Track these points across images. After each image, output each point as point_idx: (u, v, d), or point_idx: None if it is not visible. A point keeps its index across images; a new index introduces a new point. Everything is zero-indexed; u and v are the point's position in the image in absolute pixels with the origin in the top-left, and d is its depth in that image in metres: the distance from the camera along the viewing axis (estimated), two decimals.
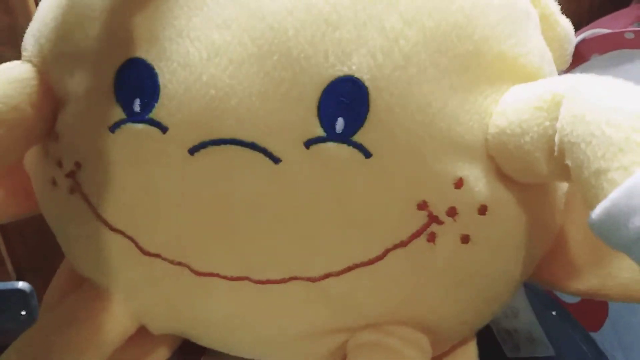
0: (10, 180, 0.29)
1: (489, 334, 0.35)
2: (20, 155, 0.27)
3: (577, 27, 0.43)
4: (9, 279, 0.52)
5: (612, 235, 0.16)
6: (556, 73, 0.25)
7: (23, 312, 0.45)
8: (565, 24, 0.26)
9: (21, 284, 0.45)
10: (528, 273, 0.26)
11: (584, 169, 0.17)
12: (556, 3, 0.26)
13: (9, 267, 0.53)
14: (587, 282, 0.26)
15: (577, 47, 0.40)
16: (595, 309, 0.40)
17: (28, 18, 0.41)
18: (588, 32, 0.41)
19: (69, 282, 0.30)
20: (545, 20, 0.25)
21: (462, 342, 0.28)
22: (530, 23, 0.24)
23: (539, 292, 0.38)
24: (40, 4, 0.26)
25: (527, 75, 0.22)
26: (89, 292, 0.28)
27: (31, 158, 0.28)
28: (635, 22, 0.43)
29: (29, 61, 0.25)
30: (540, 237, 0.25)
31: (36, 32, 0.25)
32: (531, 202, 0.23)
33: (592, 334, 0.39)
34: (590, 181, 0.17)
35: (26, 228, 0.51)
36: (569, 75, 0.20)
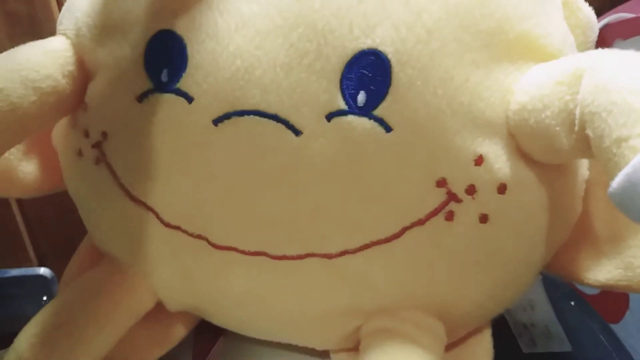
0: (37, 154, 0.30)
1: (505, 329, 0.34)
2: (52, 122, 0.28)
3: (600, 12, 0.42)
4: (31, 265, 0.53)
5: (633, 204, 0.16)
6: None
7: (45, 298, 0.46)
8: (588, 11, 0.26)
9: (42, 270, 0.46)
10: (546, 259, 0.25)
11: (605, 137, 0.17)
12: None
13: (31, 253, 0.53)
14: (607, 273, 0.26)
15: (600, 32, 0.39)
16: (615, 300, 0.39)
17: (47, 8, 0.42)
18: (611, 17, 0.40)
19: (87, 261, 0.31)
20: (567, 7, 0.26)
21: (477, 331, 0.28)
22: (553, 6, 0.24)
23: (558, 283, 0.37)
24: None
25: (548, 56, 0.22)
26: (109, 266, 0.28)
27: (59, 131, 0.29)
28: None
29: (64, 34, 0.26)
30: (559, 222, 0.24)
31: (71, 6, 0.26)
32: (551, 185, 0.23)
33: (613, 326, 0.38)
34: (612, 149, 0.16)
35: (47, 216, 0.52)
36: (591, 51, 0.20)
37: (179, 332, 0.30)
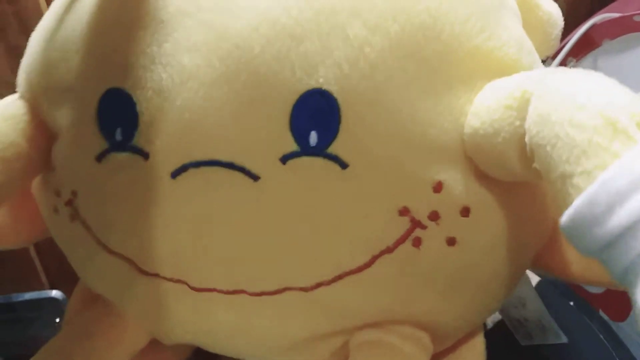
0: (22, 207, 0.31)
1: (502, 323, 0.35)
2: (22, 187, 0.28)
3: (590, 14, 0.41)
4: (43, 289, 0.55)
5: (579, 243, 0.16)
6: (539, 61, 0.24)
7: (57, 320, 0.48)
8: (548, 6, 0.25)
9: (55, 293, 0.48)
10: (524, 268, 0.25)
11: (551, 172, 0.16)
12: None
13: (43, 278, 0.55)
14: (593, 270, 0.26)
15: (588, 32, 0.38)
16: (620, 298, 0.39)
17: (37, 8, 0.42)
18: (598, 17, 0.39)
19: (88, 293, 0.32)
20: (525, 5, 0.25)
21: (468, 336, 0.28)
22: (505, 12, 0.23)
23: (557, 283, 0.37)
24: (30, 39, 0.27)
25: (503, 69, 0.22)
26: (103, 306, 0.29)
27: (35, 187, 0.29)
28: None
29: (22, 97, 0.26)
30: (531, 232, 0.24)
31: (26, 68, 0.27)
32: (517, 200, 0.23)
33: (619, 324, 0.38)
34: (557, 185, 0.16)
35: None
36: (539, 70, 0.19)
37: (181, 355, 0.32)
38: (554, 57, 0.39)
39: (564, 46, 0.38)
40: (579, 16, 0.42)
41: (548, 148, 0.16)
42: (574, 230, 0.15)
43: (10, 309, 0.48)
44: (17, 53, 0.44)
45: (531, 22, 0.24)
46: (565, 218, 0.15)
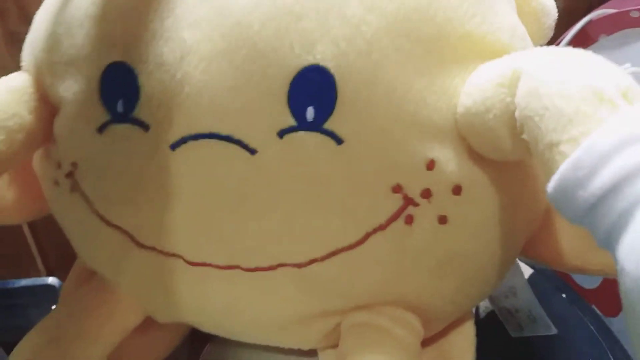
0: (23, 181, 0.31)
1: (492, 314, 0.35)
2: (24, 158, 0.29)
3: (588, 10, 0.41)
4: (40, 276, 0.55)
5: (565, 208, 0.16)
6: (531, 47, 0.24)
7: (53, 307, 0.48)
8: None
9: (51, 279, 0.48)
10: (515, 253, 0.26)
11: (539, 142, 0.17)
12: None
13: (40, 264, 0.56)
14: (584, 257, 0.26)
15: (585, 28, 0.39)
16: (613, 294, 0.39)
17: None
18: (595, 13, 0.39)
19: (83, 275, 0.32)
20: None
21: (459, 322, 0.29)
22: (499, 0, 0.23)
23: (550, 275, 0.38)
24: (35, 17, 0.28)
25: (495, 53, 0.22)
26: (99, 283, 0.29)
27: (36, 161, 0.30)
28: None
29: (27, 71, 0.27)
30: (522, 215, 0.24)
31: (31, 43, 0.27)
32: (509, 182, 0.23)
33: (612, 319, 0.38)
34: (545, 154, 0.17)
35: (54, 226, 0.54)
36: (530, 50, 0.20)
37: (171, 341, 0.32)
38: None
39: (561, 41, 0.39)
40: (578, 12, 0.42)
41: (536, 119, 0.17)
42: (560, 196, 0.16)
43: (6, 295, 0.49)
44: (16, 39, 0.45)
45: (525, 12, 0.25)
46: (551, 184, 0.16)
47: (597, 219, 0.15)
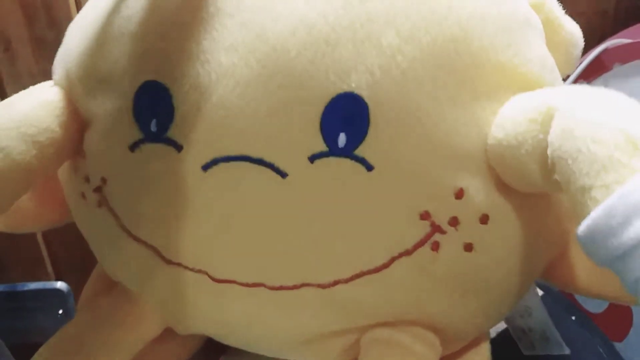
0: (47, 191, 0.32)
1: (505, 332, 0.35)
2: (53, 171, 0.29)
3: (602, 39, 0.42)
4: (49, 279, 0.55)
5: (594, 253, 0.16)
6: (560, 79, 0.25)
7: (60, 311, 0.48)
8: (571, 27, 0.26)
9: (59, 284, 0.48)
10: (535, 277, 0.26)
11: (571, 184, 0.17)
12: (560, 7, 0.26)
13: (49, 267, 0.56)
14: (601, 283, 0.26)
15: (599, 56, 0.40)
16: (619, 318, 0.40)
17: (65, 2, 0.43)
18: (610, 42, 0.40)
19: (103, 283, 0.33)
20: (549, 25, 0.26)
21: (475, 341, 0.29)
22: (531, 31, 0.24)
23: (559, 297, 0.38)
24: (67, 30, 0.28)
25: (527, 85, 0.23)
26: (121, 294, 0.30)
27: (63, 173, 0.30)
28: None
29: (58, 84, 0.27)
30: (545, 242, 0.25)
31: (63, 57, 0.27)
32: (534, 211, 0.24)
33: (617, 345, 0.39)
34: (577, 197, 0.17)
35: (66, 230, 0.54)
36: (564, 87, 0.20)
37: (188, 351, 0.32)
38: (564, 79, 0.41)
39: (575, 68, 0.39)
40: (592, 41, 0.43)
41: (569, 161, 0.17)
42: (590, 241, 0.16)
43: (14, 298, 0.49)
44: (42, 44, 0.45)
45: (554, 42, 0.25)
46: (582, 228, 0.16)
47: (628, 266, 0.15)
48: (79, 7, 0.43)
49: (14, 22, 0.44)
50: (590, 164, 0.16)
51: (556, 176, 0.18)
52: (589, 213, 0.16)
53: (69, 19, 0.43)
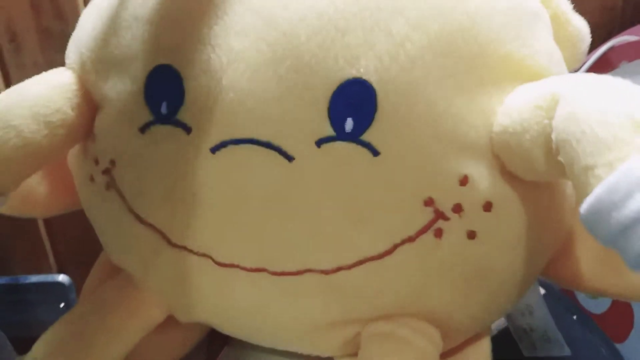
0: (55, 177, 0.32)
1: (506, 332, 0.35)
2: (64, 152, 0.29)
3: (609, 36, 0.43)
4: (51, 272, 0.55)
5: (598, 230, 0.17)
6: (566, 72, 0.25)
7: (62, 304, 0.48)
8: (578, 23, 0.27)
9: (61, 277, 0.48)
10: (537, 271, 0.26)
11: (574, 165, 0.17)
12: (568, 3, 0.27)
13: (52, 260, 0.56)
14: (603, 280, 0.26)
15: (606, 54, 0.40)
16: (620, 319, 0.40)
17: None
18: (617, 40, 0.41)
19: (106, 273, 0.33)
20: (556, 19, 0.26)
21: (476, 337, 0.29)
22: (539, 24, 0.24)
23: (561, 297, 0.38)
24: (81, 15, 0.29)
25: (533, 76, 0.23)
26: (124, 280, 0.30)
27: (72, 157, 0.30)
28: None
29: (71, 68, 0.28)
30: (548, 235, 0.25)
31: (77, 41, 0.28)
32: (538, 200, 0.24)
33: (618, 346, 0.38)
34: (580, 177, 0.17)
35: (69, 223, 0.54)
36: (570, 75, 0.20)
37: (194, 337, 0.32)
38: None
39: (582, 65, 0.40)
40: (598, 38, 0.43)
41: (574, 143, 0.18)
42: (594, 217, 0.16)
43: (16, 291, 0.49)
44: (48, 35, 0.46)
45: (561, 37, 0.26)
46: (585, 205, 0.17)
47: (630, 241, 0.16)
48: None
49: (20, 13, 0.44)
50: (594, 144, 0.17)
51: (560, 158, 0.18)
52: (592, 191, 0.16)
53: (75, 10, 0.44)
